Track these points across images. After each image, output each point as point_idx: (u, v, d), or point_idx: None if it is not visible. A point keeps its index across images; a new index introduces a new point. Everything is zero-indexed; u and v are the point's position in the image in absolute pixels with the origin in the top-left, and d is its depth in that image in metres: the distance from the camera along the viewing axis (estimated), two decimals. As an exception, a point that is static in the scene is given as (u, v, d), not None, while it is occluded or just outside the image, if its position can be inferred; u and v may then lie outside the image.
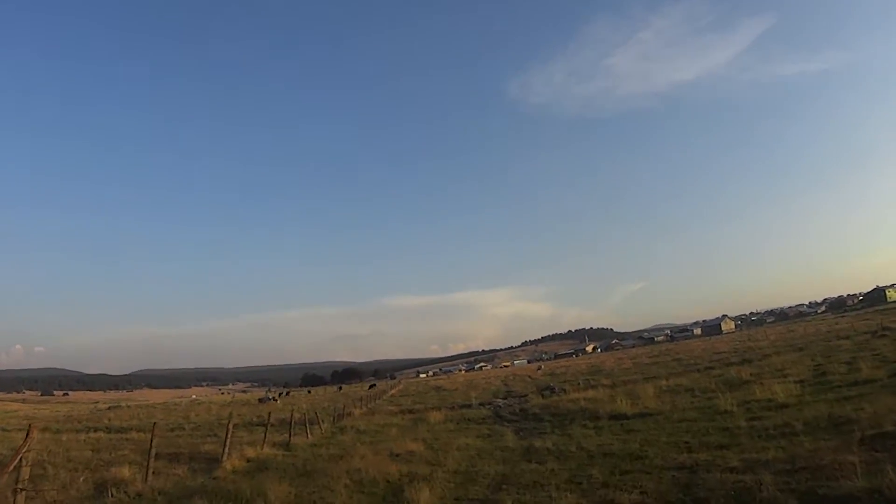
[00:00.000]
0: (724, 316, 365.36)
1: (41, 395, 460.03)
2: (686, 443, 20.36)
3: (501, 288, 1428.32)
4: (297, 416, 40.14)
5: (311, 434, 38.03)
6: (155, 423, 28.41)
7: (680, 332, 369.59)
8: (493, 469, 19.52)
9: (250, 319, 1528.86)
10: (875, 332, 60.43)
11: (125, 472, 22.78)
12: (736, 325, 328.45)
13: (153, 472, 22.06)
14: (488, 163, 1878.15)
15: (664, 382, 44.62)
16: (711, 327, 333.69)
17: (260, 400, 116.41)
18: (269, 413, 43.32)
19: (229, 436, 26.86)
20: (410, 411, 54.65)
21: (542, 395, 52.28)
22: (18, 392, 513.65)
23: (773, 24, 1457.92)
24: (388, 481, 18.53)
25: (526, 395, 56.29)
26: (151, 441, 22.31)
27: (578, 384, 59.68)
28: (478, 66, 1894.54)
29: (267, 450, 29.49)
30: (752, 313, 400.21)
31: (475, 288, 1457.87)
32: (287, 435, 34.91)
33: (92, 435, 48.06)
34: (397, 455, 24.42)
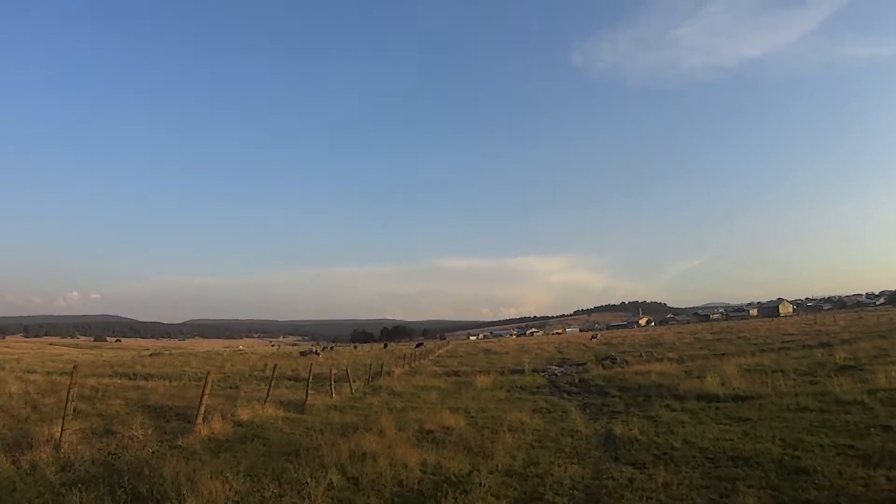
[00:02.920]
0: (781, 299, 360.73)
1: (94, 340, 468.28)
2: (847, 446, 14.75)
3: (557, 255, 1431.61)
4: (333, 371, 37.26)
5: (338, 393, 33.77)
6: (168, 377, 23.84)
7: (735, 312, 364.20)
8: (569, 472, 13.38)
9: (305, 273, 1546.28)
10: None
11: (54, 430, 17.57)
12: (793, 310, 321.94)
13: (96, 434, 17.29)
14: (552, 132, 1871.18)
15: (742, 360, 39.92)
16: (769, 309, 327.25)
17: (302, 353, 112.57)
18: (306, 367, 41.20)
19: (206, 396, 21.25)
20: (456, 373, 50.96)
21: (603, 365, 47.90)
22: (73, 337, 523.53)
23: (844, 4, 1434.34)
24: (399, 484, 12.65)
25: (584, 364, 52.14)
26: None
27: (640, 356, 55.59)
28: (543, 32, 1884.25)
29: (270, 410, 24.97)
30: (807, 299, 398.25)
31: (531, 254, 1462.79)
32: (310, 392, 31.04)
33: (110, 381, 43.79)
34: (429, 433, 19.03)
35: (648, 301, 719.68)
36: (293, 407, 27.14)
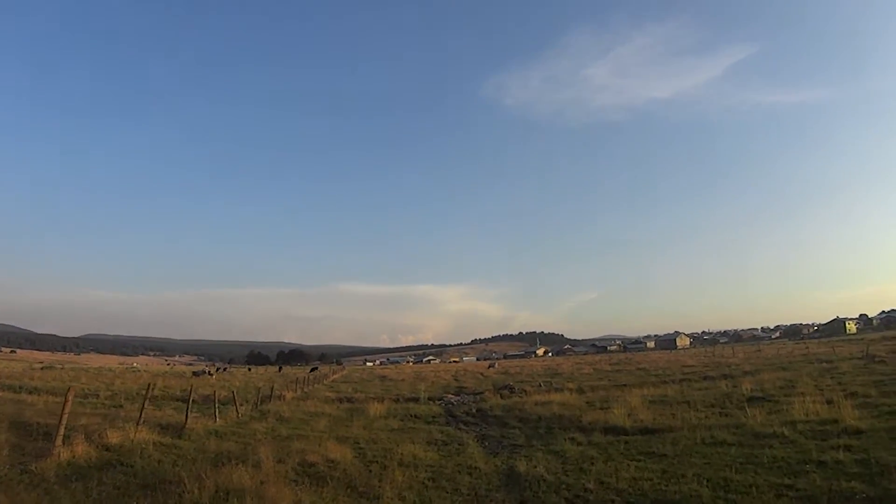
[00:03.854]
0: (678, 332, 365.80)
1: None
2: (786, 486, 13.29)
3: (456, 284, 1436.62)
4: (223, 393, 37.71)
5: (223, 417, 32.17)
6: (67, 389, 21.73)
7: (633, 344, 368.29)
8: None
9: (205, 293, 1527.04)
10: (866, 357, 58.55)
11: None
12: (690, 342, 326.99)
13: None
14: (457, 159, 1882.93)
15: (645, 392, 39.14)
16: (666, 342, 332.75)
17: (195, 373, 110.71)
18: (196, 388, 40.95)
19: (66, 415, 19.18)
20: (349, 400, 49.44)
21: (501, 395, 46.70)
22: None
23: (753, 52, 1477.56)
24: None
25: (482, 393, 50.57)
26: None
27: (539, 385, 54.44)
28: (455, 63, 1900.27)
29: (144, 433, 22.94)
30: (703, 332, 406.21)
31: (430, 282, 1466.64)
32: (194, 414, 29.87)
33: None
34: (311, 466, 17.24)
35: (546, 332, 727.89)
36: (171, 430, 25.39)
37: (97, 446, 19.32)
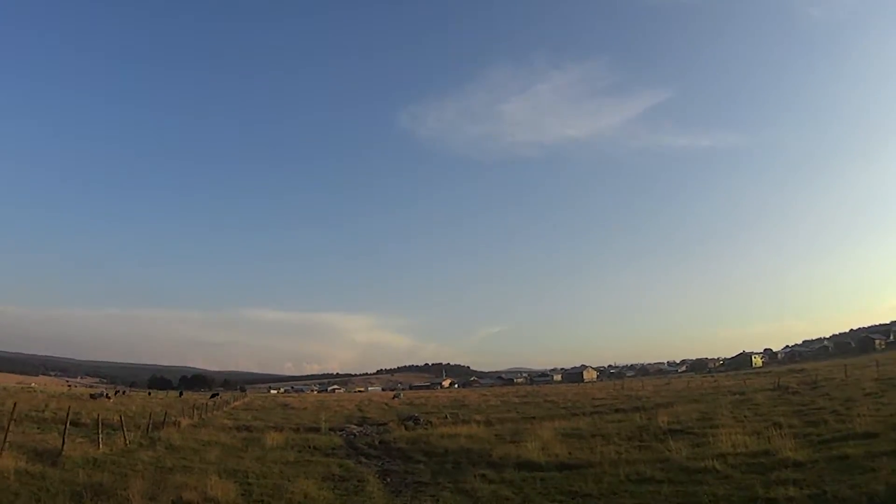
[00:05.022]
0: (585, 365, 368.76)
1: None
2: None
3: (362, 314, 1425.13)
4: (115, 418, 36.63)
5: (109, 444, 29.87)
6: None
7: (540, 377, 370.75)
8: None
9: (109, 312, 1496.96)
10: (779, 388, 60.24)
11: None
12: (597, 376, 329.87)
13: None
14: (367, 187, 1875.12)
15: (557, 424, 37.62)
16: (573, 374, 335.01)
17: (92, 396, 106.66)
18: (91, 411, 39.35)
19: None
20: (247, 428, 47.86)
21: (406, 426, 45.48)
22: None
23: (668, 97, 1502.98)
24: None
25: (386, 424, 49.89)
26: None
27: (446, 417, 53.47)
28: (371, 90, 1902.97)
29: (8, 460, 20.68)
30: (610, 366, 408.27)
31: (336, 310, 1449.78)
32: (79, 440, 28.55)
33: None
34: None
35: (452, 363, 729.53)
36: (46, 457, 23.43)
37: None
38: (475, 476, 20.25)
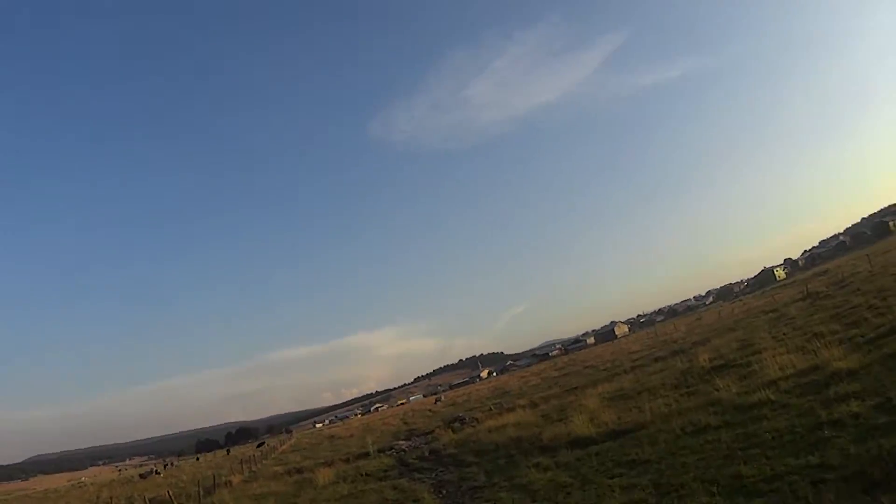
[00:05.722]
0: (614, 322, 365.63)
1: None
2: (816, 467, 10.45)
3: (385, 328, 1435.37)
4: (166, 493, 37.65)
5: None
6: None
7: (573, 344, 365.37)
8: None
9: (137, 391, 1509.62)
10: (809, 296, 58.57)
11: None
12: (629, 329, 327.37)
13: None
14: (357, 205, 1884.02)
15: (600, 390, 36.81)
16: (605, 334, 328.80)
17: (141, 476, 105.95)
18: (142, 492, 37.43)
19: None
20: (298, 470, 46.27)
21: (452, 429, 44.51)
22: None
23: (626, 38, 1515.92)
24: None
25: (432, 432, 48.78)
26: None
27: (490, 409, 52.78)
28: (340, 104, 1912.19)
29: None
30: (639, 315, 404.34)
31: (360, 330, 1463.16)
32: None
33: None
34: None
35: (486, 353, 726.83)
36: None
37: None
38: (529, 467, 19.51)
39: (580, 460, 18.10)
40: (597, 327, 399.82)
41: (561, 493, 14.57)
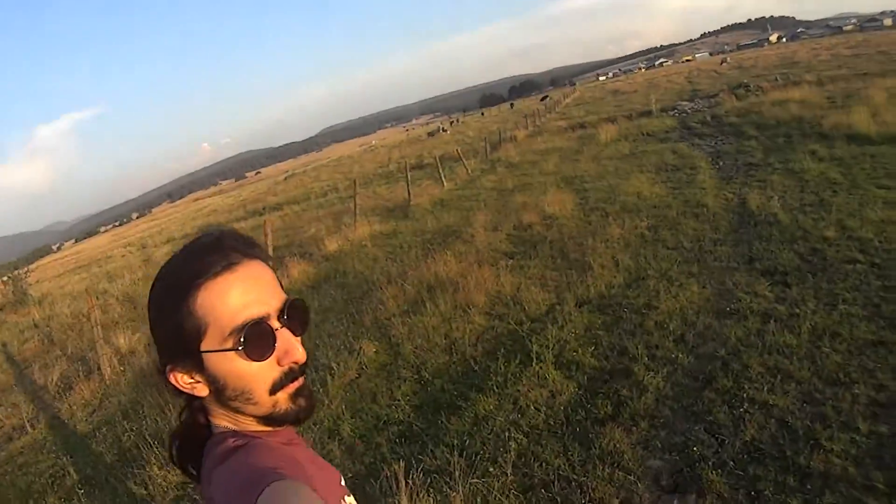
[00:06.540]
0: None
1: (235, 181, 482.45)
2: None
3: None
4: (454, 150, 38.67)
5: (452, 179, 32.24)
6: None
7: (869, 22, 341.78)
8: (680, 302, 9.70)
9: (423, 52, 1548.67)
10: None
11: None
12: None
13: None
14: None
15: (889, 84, 32.91)
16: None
17: (429, 134, 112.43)
18: (431, 150, 39.68)
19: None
20: (581, 125, 48.19)
21: (736, 95, 43.76)
22: (215, 185, 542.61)
23: None
24: (449, 350, 9.61)
25: (716, 95, 47.61)
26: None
27: (776, 80, 50.56)
28: None
29: (362, 229, 22.26)
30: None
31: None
32: (426, 182, 31.84)
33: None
34: (525, 230, 16.49)
35: (776, 15, 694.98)
36: (397, 212, 25.39)
37: (315, 262, 19.25)
38: (805, 153, 19.72)
39: (854, 159, 17.91)
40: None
41: (829, 189, 14.80)
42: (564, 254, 13.27)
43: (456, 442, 6.81)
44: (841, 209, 12.74)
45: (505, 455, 6.44)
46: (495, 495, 5.80)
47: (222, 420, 1.60)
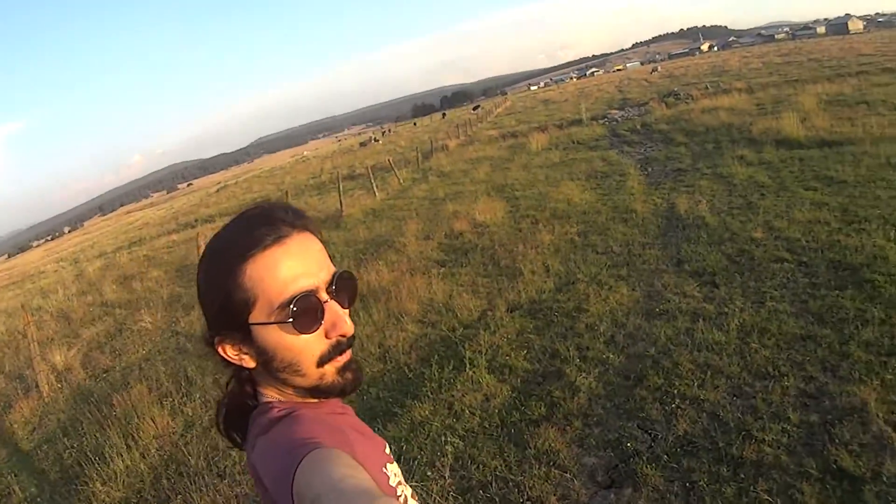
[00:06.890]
0: (849, 15, 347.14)
1: (167, 192, 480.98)
2: None
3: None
4: (386, 159, 39.32)
5: (383, 189, 32.32)
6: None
7: (802, 31, 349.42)
8: (609, 305, 9.93)
9: (355, 62, 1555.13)
10: None
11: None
12: (864, 26, 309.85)
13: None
14: None
15: (819, 89, 35.01)
16: (837, 26, 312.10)
17: (361, 144, 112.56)
18: (363, 160, 39.94)
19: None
20: (512, 135, 48.74)
21: (666, 103, 44.72)
22: (146, 197, 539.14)
23: None
24: (382, 358, 9.62)
25: (646, 104, 48.78)
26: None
27: (706, 88, 51.35)
28: None
29: None
30: (877, 14, 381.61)
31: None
32: (359, 192, 32.32)
33: (167, 238, 42.17)
34: (456, 238, 16.63)
35: (709, 25, 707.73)
36: (330, 222, 25.39)
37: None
38: (733, 158, 20.18)
39: (783, 163, 18.48)
40: (830, 17, 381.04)
41: (757, 192, 15.32)
42: (495, 260, 13.42)
43: (393, 448, 6.87)
44: (769, 211, 13.18)
45: (442, 459, 6.60)
46: (434, 498, 5.94)
47: (269, 390, 1.65)
